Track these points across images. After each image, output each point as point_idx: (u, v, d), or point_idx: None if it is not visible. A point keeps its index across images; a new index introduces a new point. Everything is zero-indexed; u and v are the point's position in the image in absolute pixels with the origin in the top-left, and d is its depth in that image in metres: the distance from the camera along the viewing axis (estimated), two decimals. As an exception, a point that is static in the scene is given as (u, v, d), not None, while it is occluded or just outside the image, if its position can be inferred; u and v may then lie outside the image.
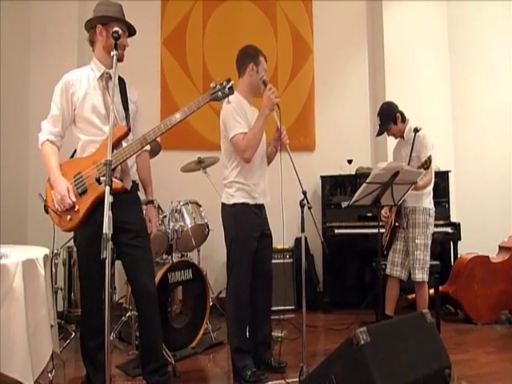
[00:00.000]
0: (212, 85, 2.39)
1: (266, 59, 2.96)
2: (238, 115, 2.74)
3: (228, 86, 2.38)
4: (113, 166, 2.18)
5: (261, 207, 2.90)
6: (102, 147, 2.28)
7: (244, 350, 2.78)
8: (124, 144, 2.35)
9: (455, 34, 5.08)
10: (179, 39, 4.80)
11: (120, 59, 2.41)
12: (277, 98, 2.71)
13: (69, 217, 2.27)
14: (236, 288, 2.82)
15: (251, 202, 2.81)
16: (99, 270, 1.95)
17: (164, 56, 4.73)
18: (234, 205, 2.80)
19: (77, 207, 2.25)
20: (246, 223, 2.79)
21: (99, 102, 2.38)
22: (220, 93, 2.37)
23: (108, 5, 2.44)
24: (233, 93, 2.42)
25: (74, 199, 2.23)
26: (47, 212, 2.35)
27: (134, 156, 2.44)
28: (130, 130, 2.34)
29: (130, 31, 2.52)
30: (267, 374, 2.78)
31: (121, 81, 2.51)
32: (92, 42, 2.47)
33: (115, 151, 2.27)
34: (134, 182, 2.50)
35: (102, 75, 2.42)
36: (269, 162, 2.99)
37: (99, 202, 2.17)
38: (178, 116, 2.32)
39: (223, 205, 2.87)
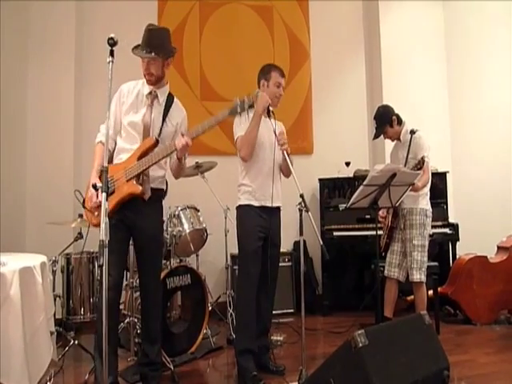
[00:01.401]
0: (235, 99, 2.46)
1: (282, 73, 3.00)
2: (241, 122, 2.84)
3: (249, 104, 2.43)
4: (135, 174, 2.44)
5: (269, 211, 2.90)
6: (132, 155, 2.49)
7: (250, 351, 2.80)
8: None
9: (452, 35, 5.11)
10: (176, 44, 4.70)
11: (150, 82, 2.60)
12: (268, 101, 2.77)
13: (96, 213, 2.48)
14: (241, 287, 2.90)
15: (256, 203, 2.86)
16: (114, 266, 2.12)
17: (161, 61, 4.73)
18: (240, 206, 2.91)
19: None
20: (247, 223, 2.87)
21: (140, 115, 2.56)
22: (239, 108, 2.45)
23: (145, 30, 2.57)
24: (253, 107, 2.49)
25: (100, 199, 2.37)
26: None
27: (163, 166, 2.65)
28: (157, 141, 2.50)
29: (167, 52, 2.60)
30: (267, 379, 2.78)
31: (170, 97, 2.67)
32: None
33: (141, 160, 2.46)
34: (158, 190, 2.65)
35: (150, 93, 2.60)
36: (287, 174, 2.97)
37: (123, 202, 2.45)
38: (199, 130, 2.50)
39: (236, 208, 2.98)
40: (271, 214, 2.91)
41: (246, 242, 2.86)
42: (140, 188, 2.46)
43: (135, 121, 2.56)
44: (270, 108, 2.80)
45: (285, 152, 2.72)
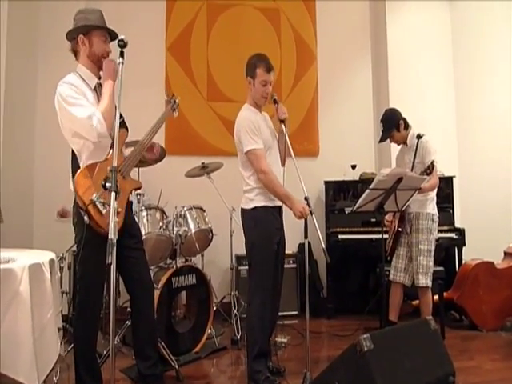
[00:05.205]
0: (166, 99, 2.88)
1: (268, 68, 2.83)
2: (252, 132, 2.77)
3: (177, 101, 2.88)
4: (131, 169, 2.46)
5: (279, 210, 2.90)
6: (119, 153, 2.18)
7: (264, 354, 2.76)
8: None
9: (459, 36, 5.08)
10: (184, 45, 4.83)
11: (102, 68, 2.43)
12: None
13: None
14: (260, 295, 2.74)
15: (271, 204, 2.82)
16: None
17: (169, 61, 4.75)
18: (255, 208, 2.80)
19: (119, 209, 2.29)
20: (266, 226, 2.79)
21: None
22: (173, 106, 2.86)
23: (87, 12, 2.44)
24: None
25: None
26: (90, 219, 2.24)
27: None
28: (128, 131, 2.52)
29: (112, 36, 2.49)
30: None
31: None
32: (76, 52, 2.46)
33: (126, 157, 2.47)
34: None
35: (98, 85, 2.45)
36: (283, 161, 3.01)
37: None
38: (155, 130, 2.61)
39: (243, 210, 2.88)
40: (279, 214, 2.91)
41: (265, 246, 2.75)
42: (139, 181, 2.57)
43: None
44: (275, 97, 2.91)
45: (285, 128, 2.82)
